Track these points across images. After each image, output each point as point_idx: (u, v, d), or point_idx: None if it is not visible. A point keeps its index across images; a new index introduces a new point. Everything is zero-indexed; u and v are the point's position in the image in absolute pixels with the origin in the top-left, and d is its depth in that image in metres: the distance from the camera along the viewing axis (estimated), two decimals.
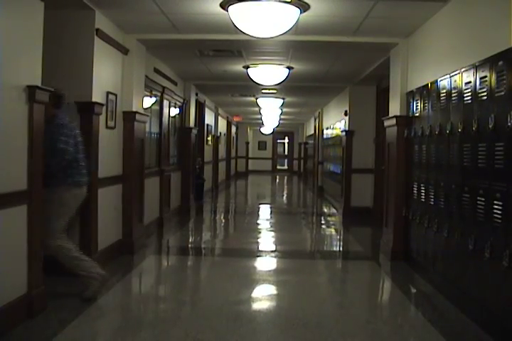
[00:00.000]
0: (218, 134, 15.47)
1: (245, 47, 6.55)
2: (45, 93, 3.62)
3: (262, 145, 28.15)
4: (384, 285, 5.13)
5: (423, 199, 4.96)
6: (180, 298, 4.43)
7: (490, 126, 3.43)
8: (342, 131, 10.09)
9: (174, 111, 9.07)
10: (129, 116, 5.77)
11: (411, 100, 5.51)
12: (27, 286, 3.54)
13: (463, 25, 4.19)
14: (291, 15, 4.51)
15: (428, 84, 4.88)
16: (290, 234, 7.96)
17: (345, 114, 9.91)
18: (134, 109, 5.81)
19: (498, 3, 3.45)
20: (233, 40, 5.80)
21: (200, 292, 4.76)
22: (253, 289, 4.67)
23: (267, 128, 23.98)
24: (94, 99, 4.82)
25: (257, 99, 12.41)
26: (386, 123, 6.15)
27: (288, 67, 7.76)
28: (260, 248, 6.73)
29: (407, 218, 5.47)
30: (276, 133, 27.21)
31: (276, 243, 7.17)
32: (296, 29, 5.22)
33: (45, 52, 3.70)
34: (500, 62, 3.32)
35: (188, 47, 6.72)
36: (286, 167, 29.43)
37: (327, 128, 13.78)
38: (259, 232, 7.99)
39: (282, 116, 17.93)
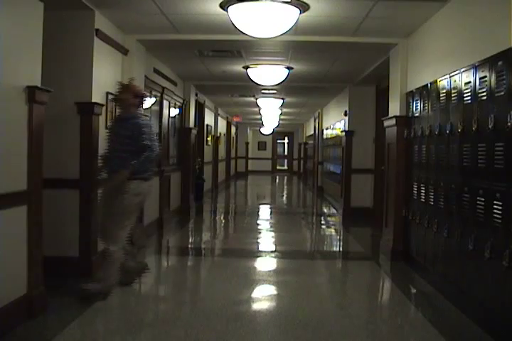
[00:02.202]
0: (218, 134, 15.47)
1: (245, 48, 6.55)
2: (44, 93, 3.62)
3: (261, 146, 28.11)
4: (384, 286, 5.13)
5: (423, 200, 4.95)
6: (181, 299, 4.43)
7: (490, 126, 3.43)
8: (342, 131, 10.10)
9: (174, 112, 9.06)
10: None
11: (411, 100, 5.51)
12: (27, 286, 3.54)
13: (463, 25, 4.19)
14: (290, 16, 4.51)
15: (428, 85, 4.88)
16: (290, 235, 7.96)
17: (345, 114, 9.91)
18: None
19: (498, 3, 3.45)
20: (233, 40, 5.81)
21: (200, 292, 4.76)
22: (253, 289, 4.67)
23: (267, 129, 23.96)
24: (93, 100, 4.81)
25: (256, 99, 12.40)
26: (386, 123, 6.16)
27: (288, 68, 7.76)
28: (260, 248, 6.73)
29: (407, 218, 5.47)
30: (276, 134, 27.17)
31: (276, 243, 7.17)
32: (295, 29, 5.21)
33: (44, 52, 3.71)
34: (500, 62, 3.32)
35: (187, 48, 6.72)
36: (286, 167, 29.40)
37: (327, 129, 13.78)
38: (259, 232, 7.99)
39: (282, 117, 17.91)
